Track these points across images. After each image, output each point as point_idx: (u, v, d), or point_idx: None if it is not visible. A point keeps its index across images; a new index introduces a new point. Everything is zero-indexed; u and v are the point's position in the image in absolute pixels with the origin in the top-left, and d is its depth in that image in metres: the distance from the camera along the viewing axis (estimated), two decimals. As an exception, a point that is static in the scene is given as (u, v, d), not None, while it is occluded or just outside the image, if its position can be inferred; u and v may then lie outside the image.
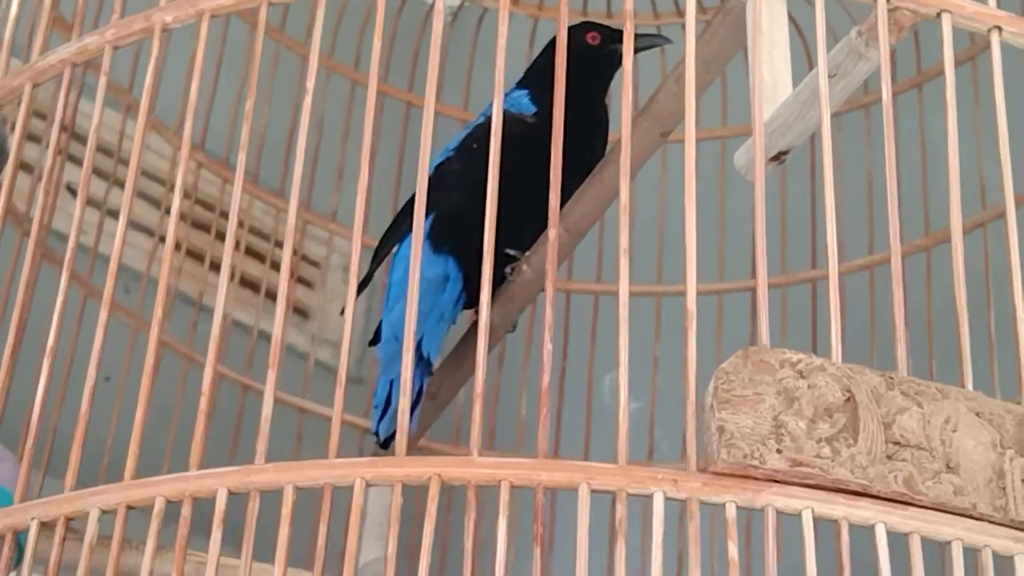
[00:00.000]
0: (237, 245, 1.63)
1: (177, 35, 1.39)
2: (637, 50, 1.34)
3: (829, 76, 0.89)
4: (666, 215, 1.48)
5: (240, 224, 1.64)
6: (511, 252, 1.25)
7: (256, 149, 1.60)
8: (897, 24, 0.86)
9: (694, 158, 0.81)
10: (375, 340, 1.29)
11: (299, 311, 2.01)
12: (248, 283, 1.81)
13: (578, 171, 1.28)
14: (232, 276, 1.70)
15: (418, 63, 1.75)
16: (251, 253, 1.79)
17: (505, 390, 1.57)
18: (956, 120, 0.83)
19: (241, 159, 0.85)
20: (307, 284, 2.03)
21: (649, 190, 1.51)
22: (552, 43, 1.42)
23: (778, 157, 0.95)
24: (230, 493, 0.75)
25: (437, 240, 1.26)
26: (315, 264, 2.02)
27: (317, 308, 2.01)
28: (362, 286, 1.32)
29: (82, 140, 1.55)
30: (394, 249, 1.32)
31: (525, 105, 1.32)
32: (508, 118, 1.32)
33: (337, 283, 2.07)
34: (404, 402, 0.76)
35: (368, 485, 0.74)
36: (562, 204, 1.21)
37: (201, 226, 1.68)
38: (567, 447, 1.52)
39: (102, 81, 0.91)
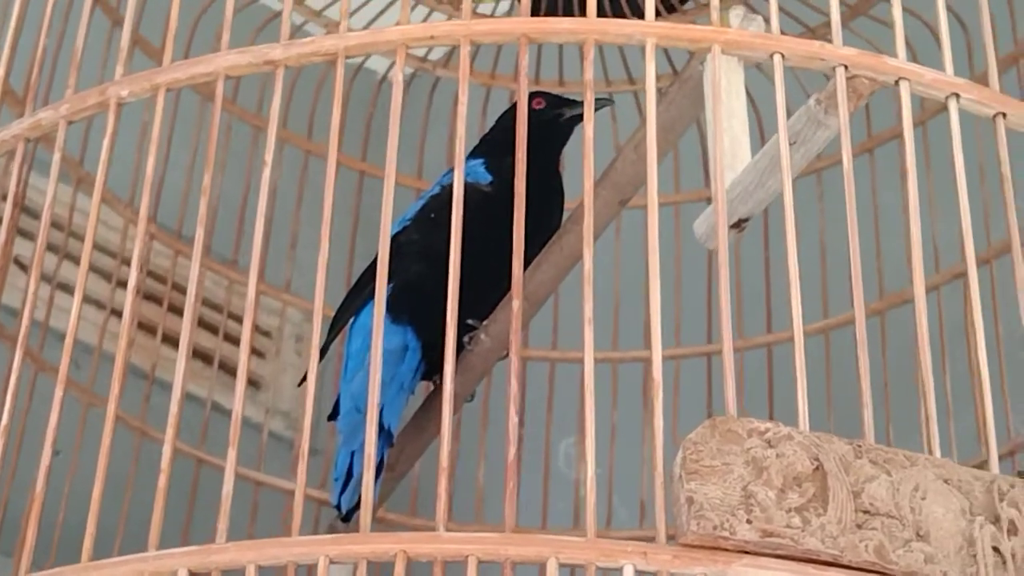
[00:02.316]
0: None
1: (128, 105, 1.39)
2: (566, 118, 1.34)
3: (789, 144, 0.89)
4: (621, 281, 1.47)
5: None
6: (470, 322, 1.24)
7: (209, 219, 1.58)
8: (856, 92, 0.86)
9: (657, 226, 0.80)
10: (334, 413, 1.28)
11: (252, 382, 1.99)
12: (200, 355, 1.79)
13: (535, 239, 1.27)
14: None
15: (371, 132, 1.75)
16: (203, 324, 1.77)
17: (463, 460, 1.56)
18: (916, 183, 0.83)
19: (199, 235, 0.85)
20: (259, 354, 2.01)
21: (604, 256, 1.51)
22: (506, 113, 1.43)
23: (738, 224, 0.95)
24: (191, 574, 0.74)
25: (396, 310, 1.25)
26: (267, 334, 2.01)
27: (270, 379, 1.99)
28: (319, 357, 1.31)
29: (30, 213, 1.55)
30: (350, 320, 1.31)
31: (481, 174, 1.32)
32: (465, 187, 1.32)
33: (290, 353, 2.06)
34: (368, 476, 0.75)
35: (332, 563, 0.72)
36: (524, 268, 1.21)
37: (153, 298, 1.67)
38: (524, 515, 1.51)
39: (56, 156, 0.91)
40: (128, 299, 0.84)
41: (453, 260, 0.81)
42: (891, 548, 0.73)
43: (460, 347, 1.25)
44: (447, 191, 1.35)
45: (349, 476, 1.20)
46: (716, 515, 0.71)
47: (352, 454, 1.21)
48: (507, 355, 1.33)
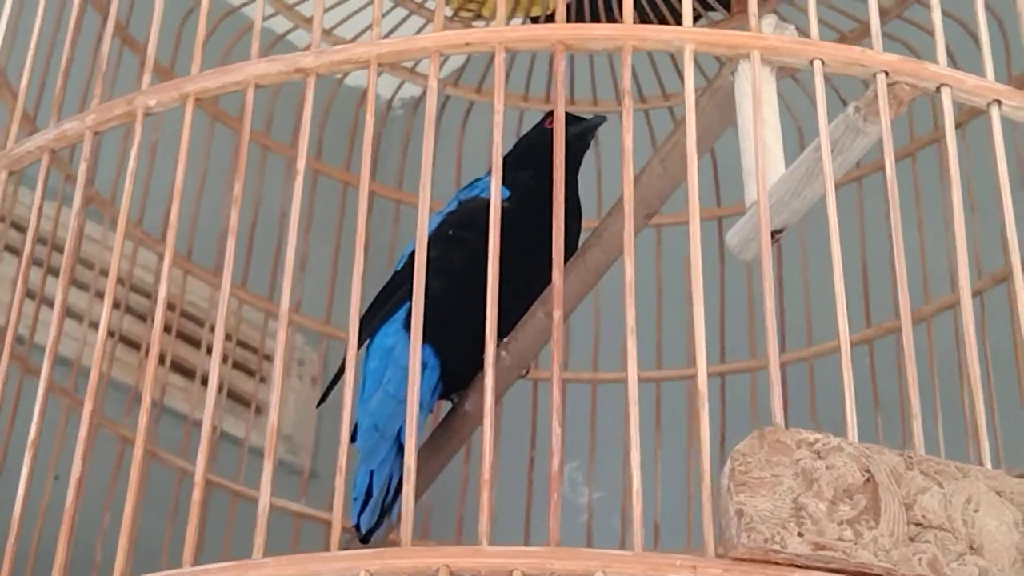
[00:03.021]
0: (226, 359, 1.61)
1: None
2: (582, 134, 1.33)
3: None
4: (664, 297, 1.46)
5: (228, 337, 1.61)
6: (490, 340, 1.22)
7: (219, 242, 1.57)
8: (896, 98, 0.85)
9: (699, 237, 0.79)
10: (355, 435, 1.26)
11: (251, 405, 1.98)
12: (203, 379, 1.77)
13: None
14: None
15: (379, 153, 1.74)
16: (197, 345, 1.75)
17: (475, 481, 1.54)
18: (960, 191, 0.82)
19: (227, 271, 0.83)
20: (261, 379, 1.99)
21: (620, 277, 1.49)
22: (529, 132, 1.42)
23: (773, 235, 0.94)
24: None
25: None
26: (268, 358, 1.99)
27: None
28: (335, 380, 1.29)
29: (20, 229, 1.53)
30: (367, 340, 1.29)
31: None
32: (480, 204, 1.31)
33: (291, 377, 2.04)
34: (408, 488, 0.74)
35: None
36: (540, 290, 1.20)
37: (189, 340, 1.66)
38: (535, 540, 1.49)
39: (82, 167, 0.89)
40: (155, 334, 0.82)
41: (491, 272, 0.80)
42: (944, 562, 0.71)
43: (480, 366, 1.24)
44: (464, 207, 1.33)
45: (368, 496, 1.18)
46: (767, 528, 0.70)
47: (371, 473, 1.19)
48: (527, 374, 1.32)
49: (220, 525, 1.45)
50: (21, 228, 1.38)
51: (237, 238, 1.56)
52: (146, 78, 0.90)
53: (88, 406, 0.81)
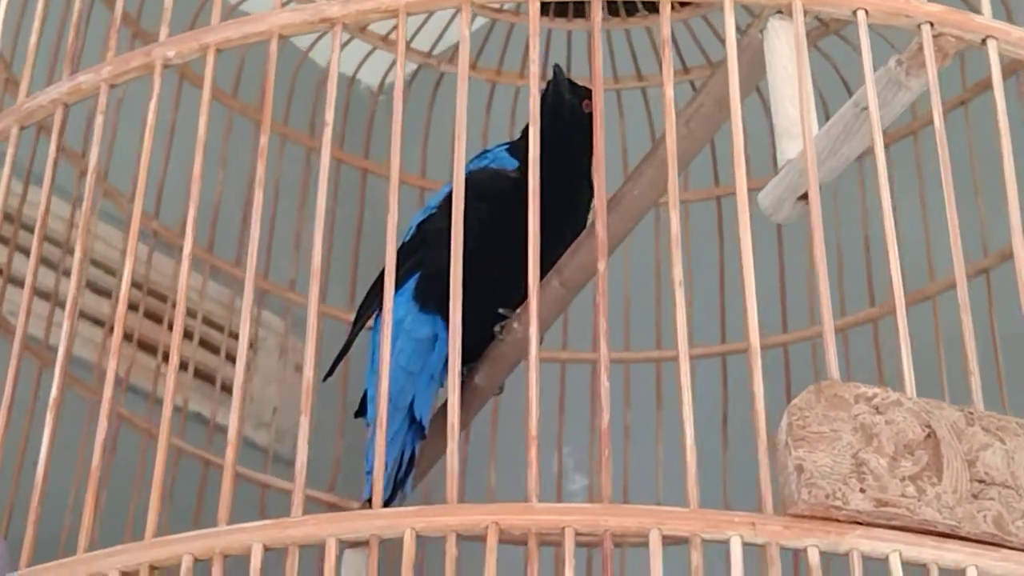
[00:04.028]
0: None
1: (130, 96, 1.33)
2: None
3: (863, 108, 0.86)
4: (662, 278, 1.43)
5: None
6: (501, 311, 1.20)
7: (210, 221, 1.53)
8: (941, 51, 0.83)
9: (746, 199, 0.76)
10: (361, 410, 1.23)
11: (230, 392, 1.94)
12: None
13: (567, 224, 1.24)
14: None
15: (372, 131, 1.71)
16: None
17: (476, 457, 1.51)
18: (1011, 143, 0.80)
19: (251, 263, 0.80)
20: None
21: (644, 253, 1.46)
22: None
23: (806, 196, 0.91)
24: (265, 549, 0.69)
25: (424, 299, 1.21)
26: (250, 345, 1.96)
27: (255, 391, 1.93)
28: (342, 354, 1.26)
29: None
30: (375, 313, 1.27)
31: (506, 160, 1.28)
32: (491, 174, 1.28)
33: (271, 364, 2.01)
34: (453, 445, 0.71)
35: (418, 536, 0.68)
36: (554, 258, 1.18)
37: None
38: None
39: (99, 120, 0.86)
40: (176, 336, 0.79)
41: (533, 237, 0.76)
42: (1010, 519, 0.69)
43: (491, 337, 1.21)
44: (473, 178, 1.30)
45: (383, 469, 1.15)
46: (827, 484, 0.67)
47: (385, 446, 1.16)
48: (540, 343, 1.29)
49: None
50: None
51: (229, 215, 1.55)
52: (164, 28, 0.87)
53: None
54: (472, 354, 1.23)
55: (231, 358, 1.74)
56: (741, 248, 0.74)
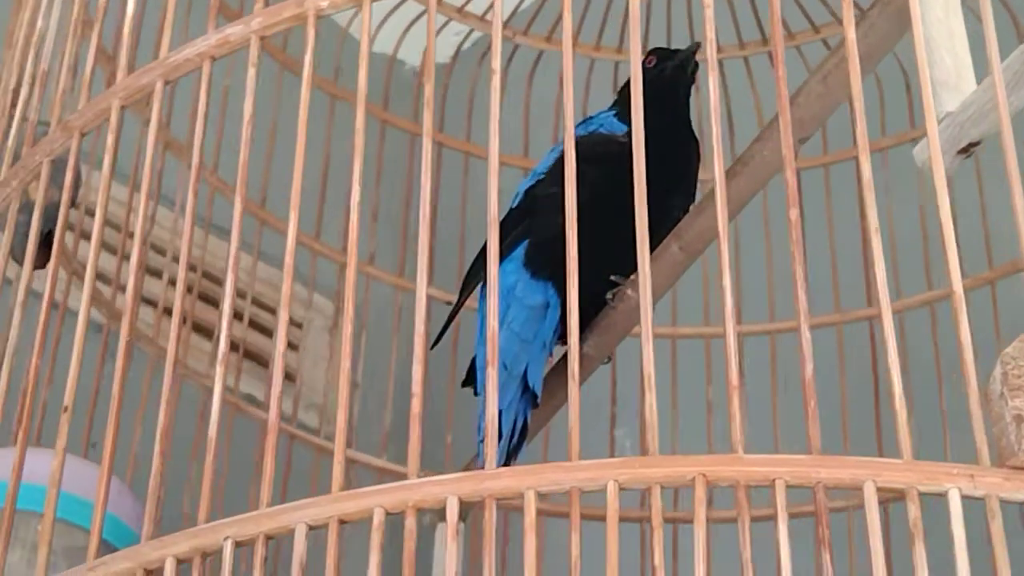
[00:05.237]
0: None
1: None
2: (681, 64, 1.28)
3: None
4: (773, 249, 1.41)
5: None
6: (613, 278, 1.18)
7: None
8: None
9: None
10: (469, 379, 1.21)
11: (285, 375, 1.92)
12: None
13: (676, 188, 1.22)
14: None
15: (446, 105, 1.70)
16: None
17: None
18: None
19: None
20: (292, 347, 1.93)
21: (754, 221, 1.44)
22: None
23: (967, 149, 0.89)
24: (461, 502, 0.67)
25: (535, 266, 1.19)
26: (299, 326, 1.94)
27: (304, 372, 1.91)
28: (447, 323, 1.24)
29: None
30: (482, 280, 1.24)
31: (615, 125, 1.26)
32: (600, 139, 1.26)
33: (322, 346, 1.99)
34: (651, 397, 0.69)
35: (621, 489, 0.66)
36: (668, 222, 1.15)
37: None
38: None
39: (251, 72, 0.83)
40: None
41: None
42: None
43: (603, 304, 1.19)
44: (584, 142, 1.28)
45: (498, 436, 1.13)
46: (1047, 434, 0.65)
47: (499, 413, 1.14)
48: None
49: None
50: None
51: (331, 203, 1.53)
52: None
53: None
54: (582, 322, 1.21)
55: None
56: (937, 193, 0.71)
